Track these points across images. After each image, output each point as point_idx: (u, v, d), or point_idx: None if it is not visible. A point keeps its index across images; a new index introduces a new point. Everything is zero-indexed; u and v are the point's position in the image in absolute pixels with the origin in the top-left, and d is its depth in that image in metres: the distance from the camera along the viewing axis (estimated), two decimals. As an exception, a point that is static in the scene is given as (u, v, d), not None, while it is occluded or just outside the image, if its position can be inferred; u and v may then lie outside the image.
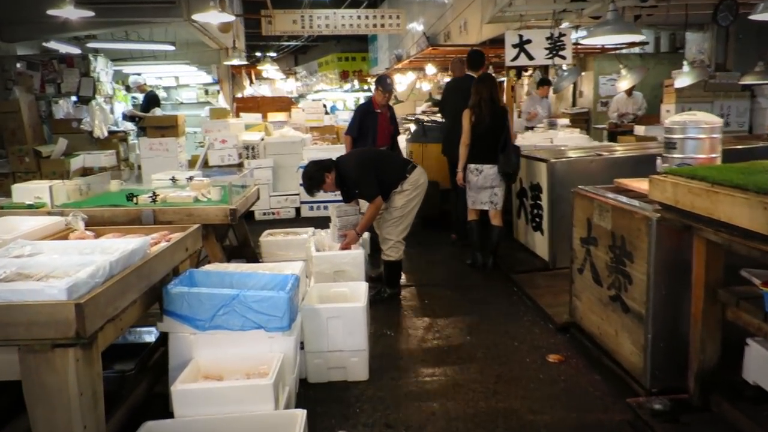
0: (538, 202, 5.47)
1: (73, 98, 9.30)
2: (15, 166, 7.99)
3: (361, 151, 4.75)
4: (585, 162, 5.29)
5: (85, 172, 8.32)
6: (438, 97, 15.67)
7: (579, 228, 3.77)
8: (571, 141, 7.80)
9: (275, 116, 10.65)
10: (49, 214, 4.42)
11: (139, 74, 11.19)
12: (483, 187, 5.31)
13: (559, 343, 3.84)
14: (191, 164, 8.50)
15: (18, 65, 8.93)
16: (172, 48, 9.69)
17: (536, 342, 3.86)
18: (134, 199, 4.54)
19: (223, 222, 4.49)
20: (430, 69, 11.35)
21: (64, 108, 9.22)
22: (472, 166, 5.35)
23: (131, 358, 2.98)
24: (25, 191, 4.89)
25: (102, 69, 9.53)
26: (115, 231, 3.55)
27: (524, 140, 8.36)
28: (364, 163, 4.50)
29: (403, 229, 4.64)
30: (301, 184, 4.42)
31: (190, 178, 5.60)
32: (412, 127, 8.41)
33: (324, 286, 3.77)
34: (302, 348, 3.32)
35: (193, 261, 4.59)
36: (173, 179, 5.59)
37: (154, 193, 4.57)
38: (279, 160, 8.44)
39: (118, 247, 2.75)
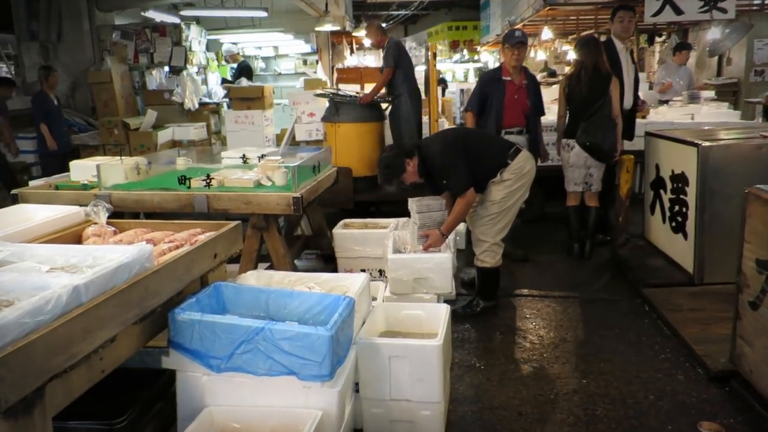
0: (682, 196, 4.28)
1: (166, 69, 9.03)
2: (104, 138, 7.80)
3: (449, 132, 3.82)
4: (749, 148, 4.02)
5: (174, 144, 8.00)
6: (554, 67, 14.19)
7: (754, 245, 2.65)
8: (716, 118, 6.41)
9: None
10: (96, 196, 3.91)
11: (235, 44, 10.79)
12: (576, 166, 4.75)
13: (716, 401, 2.77)
14: (279, 139, 7.95)
15: (113, 35, 8.75)
16: (264, 14, 9.12)
17: (681, 397, 2.82)
18: (186, 182, 3.91)
19: (285, 212, 3.77)
20: (546, 34, 10.02)
21: (156, 78, 8.97)
22: (564, 140, 4.83)
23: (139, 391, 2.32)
24: (83, 168, 4.43)
25: (195, 38, 9.17)
26: (140, 226, 2.89)
27: (658, 116, 7.02)
28: (451, 147, 3.58)
29: (501, 228, 3.68)
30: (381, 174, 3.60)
31: (262, 157, 4.96)
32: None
33: (393, 307, 2.93)
34: (357, 391, 2.52)
35: (252, 258, 3.93)
36: (244, 157, 4.97)
37: (208, 175, 3.91)
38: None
39: (111, 258, 2.07)
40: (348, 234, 4.36)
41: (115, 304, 1.87)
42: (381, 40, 6.32)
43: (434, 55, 6.03)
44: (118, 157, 4.51)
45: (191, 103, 8.45)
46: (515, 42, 4.47)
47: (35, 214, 2.89)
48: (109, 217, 2.92)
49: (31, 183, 4.67)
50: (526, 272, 4.67)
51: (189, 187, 3.93)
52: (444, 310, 2.75)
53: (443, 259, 3.54)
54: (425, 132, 6.23)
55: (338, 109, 6.27)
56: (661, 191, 4.63)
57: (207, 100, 9.14)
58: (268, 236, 3.92)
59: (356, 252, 4.33)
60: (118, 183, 4.17)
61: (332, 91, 7.11)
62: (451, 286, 3.61)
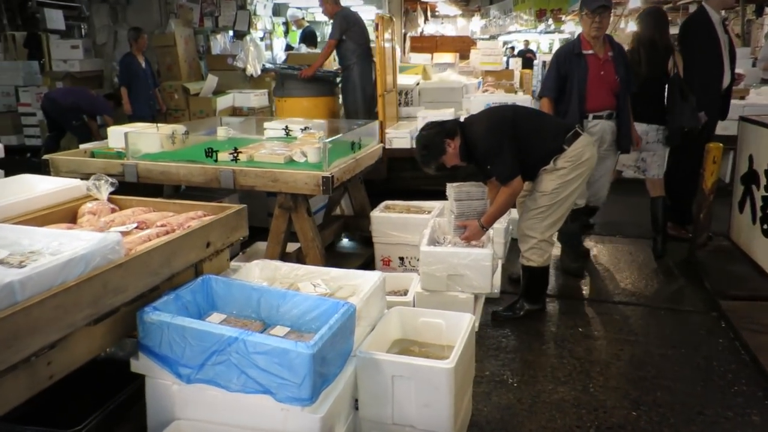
0: (778, 195, 3.63)
1: (230, 33, 8.87)
2: (165, 103, 7.75)
3: (496, 110, 3.35)
4: None
5: (234, 111, 7.86)
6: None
7: None
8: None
9: (442, 57, 9.34)
10: (123, 166, 3.75)
11: (300, 9, 10.50)
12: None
13: (797, 456, 2.26)
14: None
15: (180, -3, 8.66)
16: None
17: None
18: (213, 155, 3.67)
19: (313, 192, 3.45)
20: (635, 2, 9.11)
21: (221, 43, 8.83)
22: None
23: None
24: (121, 135, 4.27)
25: (260, 1, 8.94)
26: (141, 204, 2.66)
27: (759, 97, 6.18)
28: (497, 128, 3.12)
29: (551, 223, 3.22)
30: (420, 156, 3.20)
31: (305, 129, 4.67)
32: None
33: (410, 313, 2.56)
34: (356, 408, 2.20)
35: (279, 240, 3.65)
36: (286, 129, 4.69)
37: (235, 149, 3.65)
38: (431, 108, 7.19)
39: (75, 246, 1.82)
40: (386, 218, 4.00)
41: (57, 304, 1.61)
42: (332, 10, 5.90)
43: (376, 26, 5.42)
44: (153, 125, 4.34)
45: (253, 69, 8.25)
46: (596, 6, 3.71)
47: (36, 186, 2.72)
48: (116, 192, 2.72)
49: (81, 146, 4.59)
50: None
51: (216, 161, 3.68)
52: (467, 322, 2.35)
53: (482, 255, 3.13)
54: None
55: (284, 83, 5.95)
56: (753, 187, 3.97)
57: (270, 66, 8.92)
58: (296, 217, 3.63)
59: (394, 238, 3.98)
60: (150, 152, 4.00)
61: (280, 64, 6.89)
62: (490, 285, 3.20)
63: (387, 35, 5.63)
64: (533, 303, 3.39)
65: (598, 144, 3.72)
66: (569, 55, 3.87)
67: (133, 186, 3.79)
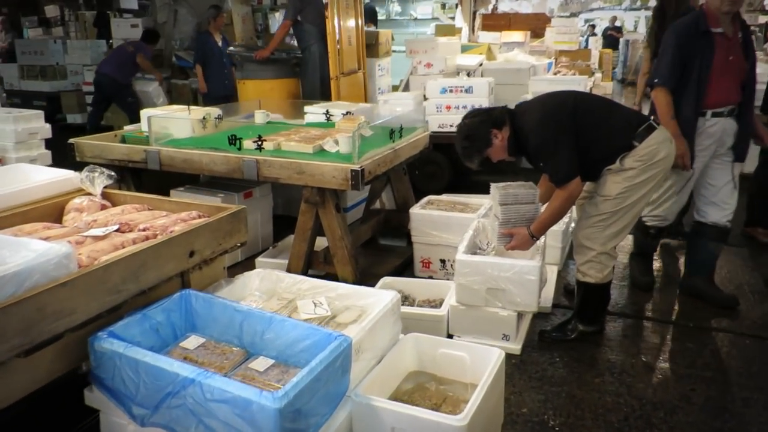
0: None
1: (289, 10, 8.59)
2: (219, 83, 7.57)
3: (555, 97, 2.83)
4: None
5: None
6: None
7: None
8: None
9: (511, 36, 8.71)
10: (146, 152, 3.52)
11: (363, -16, 10.06)
12: None
13: None
14: (395, 91, 7.24)
15: (240, -26, 8.42)
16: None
17: None
18: (237, 142, 3.36)
19: (341, 187, 3.09)
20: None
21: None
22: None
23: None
24: (158, 120, 4.04)
25: (320, -23, 8.59)
26: (136, 201, 2.38)
27: None
28: (554, 118, 2.63)
29: (614, 234, 2.71)
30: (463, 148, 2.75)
31: (347, 113, 4.30)
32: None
33: (428, 342, 2.16)
34: (354, 457, 1.83)
35: (305, 237, 3.32)
36: (327, 113, 4.34)
37: (259, 136, 3.32)
38: (498, 92, 6.65)
39: (23, 257, 1.54)
40: (426, 215, 3.59)
41: (-35, 337, 1.33)
42: None
43: (326, 6, 5.16)
44: (185, 108, 4.10)
45: (310, 48, 7.95)
46: None
47: (31, 176, 2.49)
48: (146, 180, 2.48)
49: (126, 127, 4.43)
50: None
51: (239, 149, 3.38)
52: (494, 359, 1.93)
53: (527, 268, 2.68)
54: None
55: (243, 65, 5.78)
56: None
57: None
58: (323, 213, 3.28)
59: (434, 238, 3.57)
60: (179, 138, 3.75)
61: (239, 45, 6.69)
62: (536, 302, 2.74)
63: (348, 13, 5.40)
64: (588, 324, 2.90)
65: (714, 147, 3.11)
66: (692, 33, 3.03)
67: (165, 174, 3.56)
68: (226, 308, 1.85)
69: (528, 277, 2.68)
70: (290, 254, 3.45)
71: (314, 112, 4.45)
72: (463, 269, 2.77)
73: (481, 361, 1.98)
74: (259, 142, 3.32)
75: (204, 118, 3.93)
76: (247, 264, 3.81)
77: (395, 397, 1.97)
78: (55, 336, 1.54)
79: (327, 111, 4.37)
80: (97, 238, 1.94)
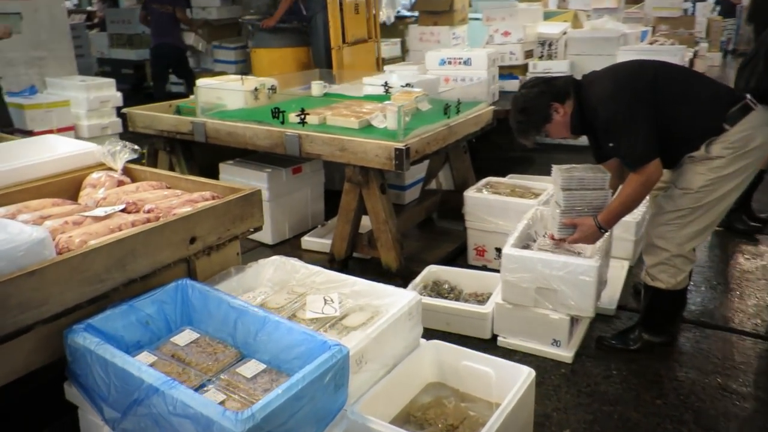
0: None
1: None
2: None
3: (629, 66, 2.42)
4: None
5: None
6: None
7: None
8: None
9: (602, 2, 8.02)
10: (193, 124, 3.42)
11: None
12: None
13: None
14: (470, 62, 6.84)
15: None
16: None
17: None
18: (280, 115, 3.18)
19: (384, 166, 2.85)
20: None
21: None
22: None
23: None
24: (209, 90, 3.95)
25: (400, -59, 8.23)
26: (155, 178, 2.26)
27: None
28: (630, 89, 2.24)
29: (693, 234, 2.31)
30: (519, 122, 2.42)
31: (406, 85, 4.03)
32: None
33: (451, 352, 1.90)
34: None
35: (349, 219, 3.11)
36: (386, 85, 4.09)
37: (302, 110, 3.13)
38: (581, 63, 6.11)
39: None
40: (482, 199, 3.28)
41: None
42: None
43: None
44: (238, 77, 3.96)
45: (386, 16, 7.66)
46: None
47: (57, 149, 2.42)
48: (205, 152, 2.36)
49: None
50: (718, 290, 3.13)
51: (283, 123, 3.20)
52: (522, 379, 1.66)
53: (583, 268, 2.34)
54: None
55: (254, 34, 5.71)
56: None
57: (406, 13, 8.28)
58: (366, 194, 3.06)
59: (491, 224, 3.26)
60: (229, 109, 3.63)
61: (252, 14, 6.56)
62: (592, 306, 2.40)
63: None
64: (655, 334, 2.52)
65: None
66: None
67: (215, 147, 3.45)
68: (221, 303, 1.68)
69: (583, 278, 2.34)
70: (333, 235, 3.27)
71: (373, 83, 4.21)
72: (510, 264, 2.47)
73: (508, 379, 1.71)
74: (302, 116, 3.13)
75: (256, 89, 3.78)
76: (294, 242, 3.68)
77: (408, 411, 1.75)
78: (21, 329, 1.42)
79: (386, 83, 4.10)
80: (96, 219, 1.82)
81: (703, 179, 2.24)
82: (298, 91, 4.39)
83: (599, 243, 2.48)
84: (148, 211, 1.90)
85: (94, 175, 2.19)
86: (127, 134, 3.82)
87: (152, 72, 7.53)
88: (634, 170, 2.24)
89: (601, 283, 2.47)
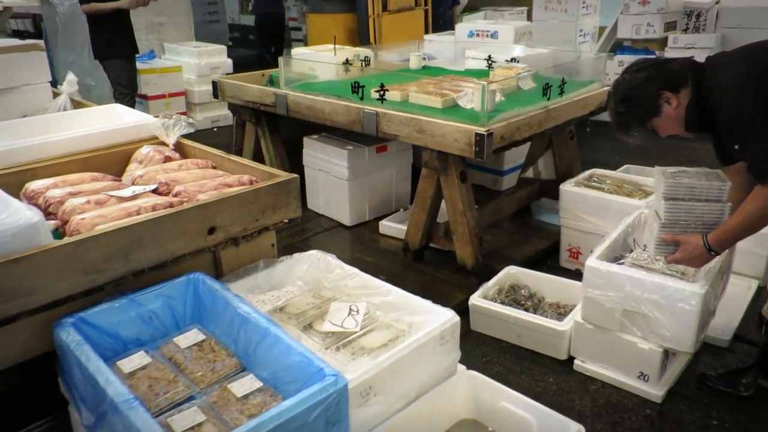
0: None
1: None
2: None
3: (766, 48, 1.90)
4: None
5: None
6: None
7: None
8: None
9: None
10: (275, 95, 3.29)
11: None
12: None
13: None
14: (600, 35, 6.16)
15: None
16: None
17: None
18: (360, 90, 2.96)
19: (464, 152, 2.55)
20: None
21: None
22: None
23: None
24: (293, 61, 3.80)
25: None
26: (203, 156, 2.14)
27: None
28: (765, 77, 1.76)
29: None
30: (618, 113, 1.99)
31: (512, 60, 3.64)
32: None
33: (489, 387, 1.59)
34: None
35: (425, 206, 2.83)
36: (489, 59, 3.72)
37: (382, 85, 2.88)
38: (734, 37, 5.29)
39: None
40: (580, 195, 2.86)
41: None
42: None
43: None
44: (330, 47, 3.77)
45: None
46: None
47: (120, 118, 2.38)
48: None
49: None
50: None
51: (362, 98, 2.97)
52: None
53: (685, 294, 1.91)
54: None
55: None
56: None
57: None
58: (444, 181, 2.77)
59: (587, 224, 2.85)
60: (319, 81, 3.46)
61: None
62: (694, 340, 1.96)
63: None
64: (776, 382, 2.03)
65: None
66: None
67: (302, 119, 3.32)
68: (228, 305, 1.51)
69: (683, 307, 1.91)
70: (408, 223, 3.02)
71: (476, 57, 3.85)
72: (594, 279, 2.09)
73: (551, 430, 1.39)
74: (382, 92, 2.88)
75: (347, 60, 3.58)
76: (374, 225, 3.47)
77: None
78: (5, 318, 1.34)
79: (489, 57, 3.73)
80: (121, 200, 1.72)
81: None
82: (396, 62, 4.13)
83: (711, 264, 2.02)
84: (176, 195, 1.77)
85: (143, 150, 2.11)
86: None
87: (257, 40, 7.61)
88: (762, 182, 1.76)
89: (709, 312, 2.01)
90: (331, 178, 3.42)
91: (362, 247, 3.25)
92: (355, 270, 1.80)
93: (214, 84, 3.69)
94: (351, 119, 2.97)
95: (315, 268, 1.83)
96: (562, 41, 5.84)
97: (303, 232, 3.41)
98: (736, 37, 5.18)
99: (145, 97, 5.12)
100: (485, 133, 2.46)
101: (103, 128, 2.15)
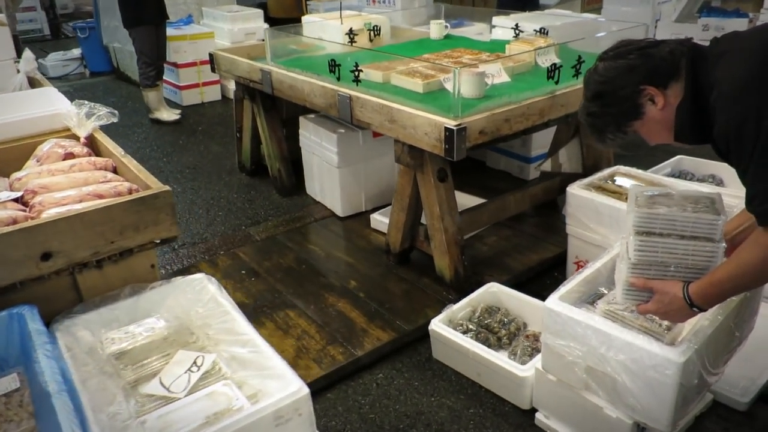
0: None
1: None
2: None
3: None
4: None
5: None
6: None
7: None
8: None
9: None
10: (261, 71, 3.00)
11: None
12: None
13: None
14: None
15: None
16: None
17: None
18: (336, 69, 2.59)
19: (434, 149, 2.16)
20: None
21: None
22: None
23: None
24: (312, 26, 3.46)
25: None
26: (108, 155, 1.90)
27: None
28: None
29: None
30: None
31: (541, 31, 3.12)
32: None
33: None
34: None
35: (404, 206, 2.45)
36: (516, 28, 3.22)
37: (356, 65, 2.49)
38: None
39: None
40: (587, 199, 2.37)
41: None
42: None
43: None
44: (336, 16, 3.38)
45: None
46: None
47: (53, 104, 2.17)
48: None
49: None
50: None
51: (339, 79, 2.60)
52: None
53: (658, 360, 1.45)
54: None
55: None
56: None
57: None
58: (421, 180, 2.38)
59: (595, 235, 2.37)
60: (301, 57, 3.11)
61: None
62: (670, 418, 1.50)
63: None
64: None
65: None
66: None
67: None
68: (32, 352, 1.26)
69: (655, 376, 1.46)
70: (389, 223, 2.66)
71: (503, 25, 3.34)
72: (553, 324, 1.66)
73: None
74: (356, 72, 2.49)
75: (351, 30, 3.19)
76: (369, 217, 3.12)
77: None
78: None
79: (516, 25, 3.22)
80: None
81: None
82: (417, 30, 3.68)
83: (709, 314, 1.53)
84: (30, 207, 1.53)
85: (45, 145, 1.89)
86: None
87: None
88: (764, 224, 1.25)
89: (698, 386, 1.53)
90: (323, 163, 3.11)
91: (347, 244, 2.93)
92: (229, 306, 1.49)
93: (211, 57, 3.43)
94: (328, 102, 2.62)
95: (189, 299, 1.55)
96: (640, 1, 5.10)
97: (293, 221, 3.14)
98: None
99: (175, 65, 4.98)
100: (455, 128, 2.04)
101: (8, 118, 1.94)
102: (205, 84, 5.12)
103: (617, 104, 1.43)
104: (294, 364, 2.09)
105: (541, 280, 2.60)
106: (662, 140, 1.47)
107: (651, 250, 1.47)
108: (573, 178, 2.97)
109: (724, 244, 1.43)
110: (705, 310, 1.43)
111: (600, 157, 2.90)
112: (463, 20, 3.92)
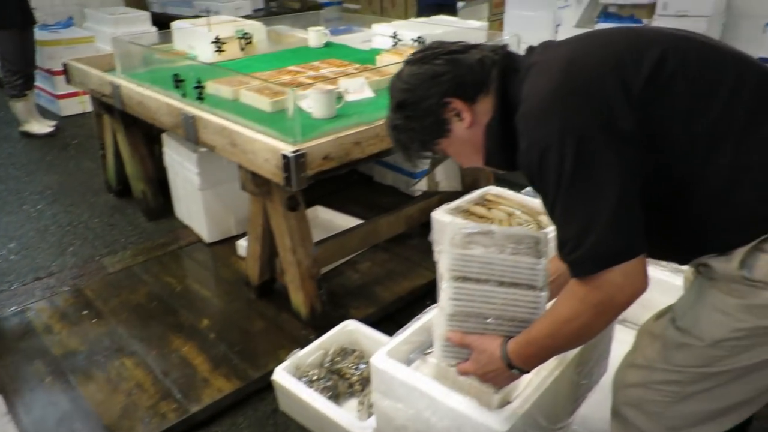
0: None
1: None
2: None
3: (599, 39, 1.15)
4: None
5: None
6: None
7: None
8: None
9: None
10: (111, 85, 2.70)
11: None
12: None
13: None
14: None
15: None
16: None
17: None
18: (181, 85, 2.33)
19: (274, 177, 1.94)
20: None
21: None
22: None
23: None
24: (184, 34, 3.17)
25: None
26: None
27: None
28: (582, 96, 1.03)
29: (700, 415, 1.13)
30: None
31: (417, 39, 2.96)
32: None
33: None
34: None
35: (258, 236, 2.21)
36: (395, 37, 3.04)
37: (198, 81, 2.25)
38: (739, 4, 4.38)
39: None
40: (448, 225, 2.18)
41: None
42: None
43: None
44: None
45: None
46: None
47: None
48: None
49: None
50: None
51: (184, 95, 2.35)
52: None
53: (482, 429, 1.28)
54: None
55: None
56: None
57: None
58: (270, 209, 2.16)
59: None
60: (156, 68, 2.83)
61: None
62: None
63: None
64: None
65: None
66: None
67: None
68: None
69: (475, 449, 1.28)
70: (246, 254, 2.43)
71: (383, 33, 3.16)
72: (380, 383, 1.47)
73: None
74: (199, 89, 2.25)
75: (217, 38, 2.93)
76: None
77: None
78: None
79: (395, 33, 3.05)
80: None
81: (729, 326, 1.04)
82: (300, 36, 3.44)
83: (548, 367, 1.38)
84: None
85: None
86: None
87: None
88: (579, 276, 1.08)
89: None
90: (187, 184, 2.84)
91: (208, 275, 2.68)
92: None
93: (65, 66, 3.10)
94: (174, 121, 2.36)
95: None
96: (543, 4, 5.03)
97: (155, 248, 2.86)
98: (743, 5, 4.28)
99: (50, 72, 4.58)
100: (291, 155, 1.82)
101: None
102: (87, 93, 4.72)
103: (420, 118, 1.22)
104: (116, 426, 1.86)
105: (411, 310, 2.41)
106: (473, 163, 1.29)
107: (467, 298, 1.29)
108: (454, 196, 2.82)
109: (545, 293, 1.26)
110: (527, 372, 1.27)
111: (478, 176, 2.75)
112: (351, 26, 3.72)
